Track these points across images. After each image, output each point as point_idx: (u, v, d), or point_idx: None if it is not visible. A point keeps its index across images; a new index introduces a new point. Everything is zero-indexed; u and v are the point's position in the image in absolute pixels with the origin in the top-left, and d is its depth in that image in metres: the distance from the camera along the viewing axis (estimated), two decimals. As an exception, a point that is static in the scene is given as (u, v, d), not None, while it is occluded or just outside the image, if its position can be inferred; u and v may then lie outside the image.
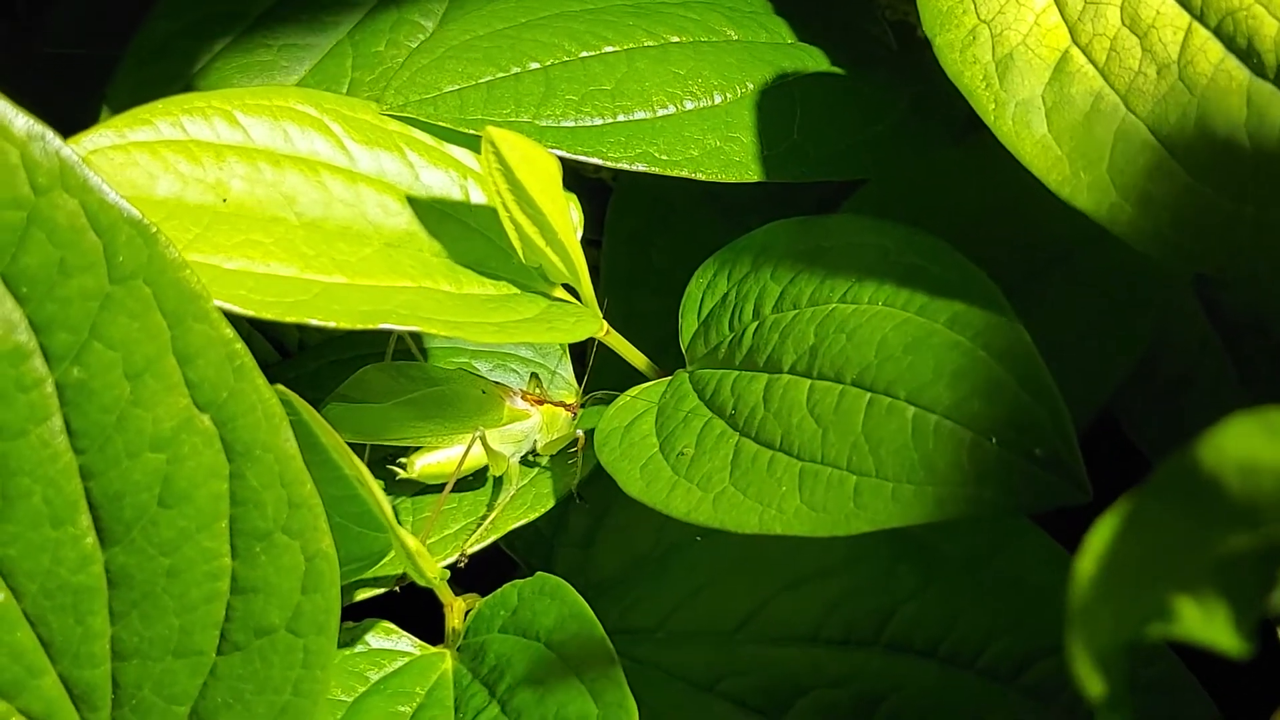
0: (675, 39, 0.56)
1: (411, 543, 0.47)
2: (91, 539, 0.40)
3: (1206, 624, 0.32)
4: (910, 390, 0.47)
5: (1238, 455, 0.32)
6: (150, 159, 0.48)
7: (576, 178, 0.52)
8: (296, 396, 0.42)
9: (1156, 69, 0.46)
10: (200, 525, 0.40)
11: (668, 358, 0.56)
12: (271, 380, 0.59)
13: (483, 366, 0.59)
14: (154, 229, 0.39)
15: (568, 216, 0.50)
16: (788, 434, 0.49)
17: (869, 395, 0.48)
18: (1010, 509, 0.45)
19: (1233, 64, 0.45)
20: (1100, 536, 0.33)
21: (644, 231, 0.64)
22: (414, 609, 0.54)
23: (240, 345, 0.39)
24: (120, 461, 0.40)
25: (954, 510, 0.45)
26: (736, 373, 0.51)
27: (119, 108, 0.59)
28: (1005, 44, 0.48)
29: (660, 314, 0.60)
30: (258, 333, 0.60)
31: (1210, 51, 0.46)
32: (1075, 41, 0.48)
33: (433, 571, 0.49)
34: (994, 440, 0.45)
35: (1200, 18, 0.46)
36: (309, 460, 0.41)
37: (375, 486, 0.45)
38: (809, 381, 0.49)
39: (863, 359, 0.49)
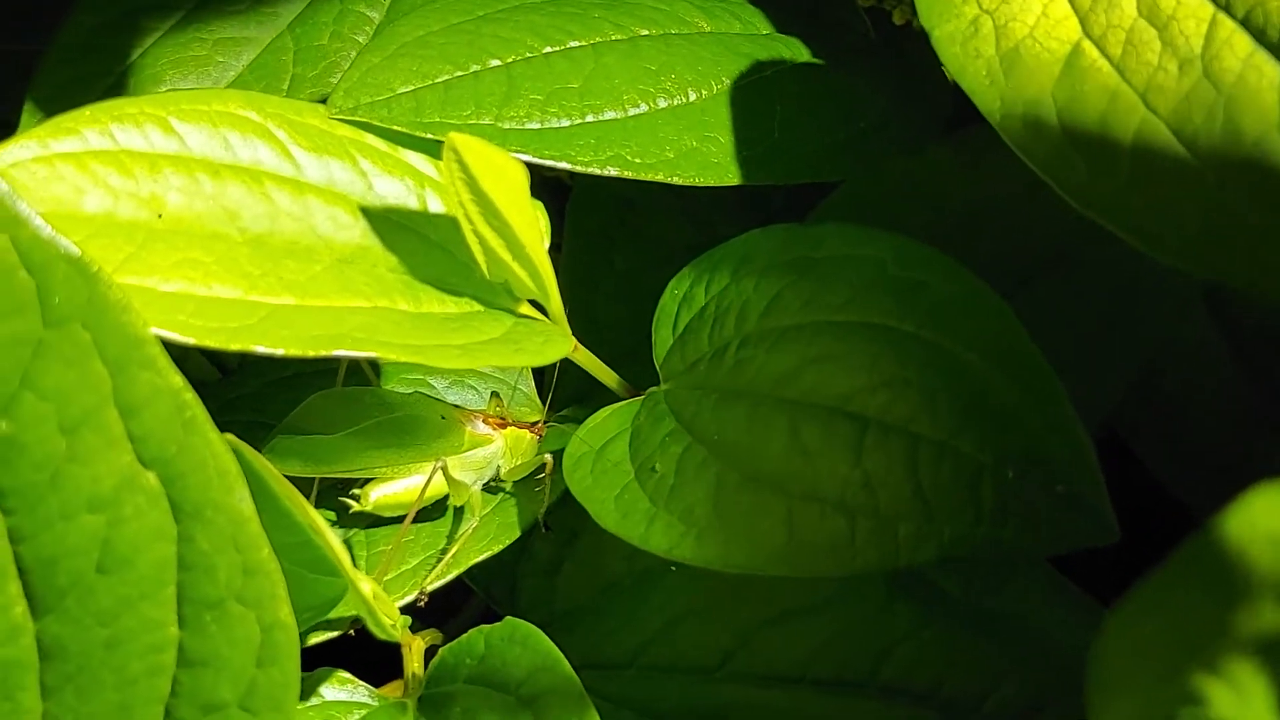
0: (644, 31, 0.52)
1: (370, 594, 0.43)
2: (21, 608, 0.36)
3: (1241, 707, 0.29)
4: (913, 418, 0.44)
5: (1267, 527, 0.29)
6: (77, 172, 0.43)
7: (531, 174, 0.48)
8: (247, 446, 0.38)
9: (1178, 64, 0.42)
10: (143, 593, 0.36)
11: (635, 369, 0.52)
12: (209, 400, 0.55)
13: (439, 383, 0.55)
14: (95, 267, 0.34)
15: (536, 228, 0.46)
16: (775, 463, 0.45)
17: (865, 422, 0.45)
18: (1030, 551, 0.41)
19: (1263, 59, 0.42)
20: (1120, 618, 0.31)
21: (605, 232, 0.60)
22: (366, 641, 0.50)
23: (191, 395, 0.35)
24: (54, 524, 0.36)
25: (964, 550, 0.42)
26: (718, 394, 0.48)
27: (43, 108, 0.55)
28: (1010, 36, 0.44)
29: (624, 320, 0.57)
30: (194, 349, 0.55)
31: (1237, 45, 0.42)
32: (1087, 34, 0.44)
33: (394, 618, 0.45)
34: (1011, 474, 0.42)
35: (1225, 8, 0.42)
36: (259, 507, 0.37)
37: (332, 537, 0.41)
38: (797, 406, 0.46)
39: (855, 383, 0.45)
